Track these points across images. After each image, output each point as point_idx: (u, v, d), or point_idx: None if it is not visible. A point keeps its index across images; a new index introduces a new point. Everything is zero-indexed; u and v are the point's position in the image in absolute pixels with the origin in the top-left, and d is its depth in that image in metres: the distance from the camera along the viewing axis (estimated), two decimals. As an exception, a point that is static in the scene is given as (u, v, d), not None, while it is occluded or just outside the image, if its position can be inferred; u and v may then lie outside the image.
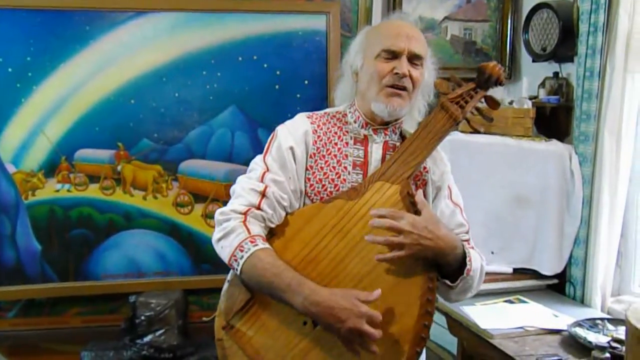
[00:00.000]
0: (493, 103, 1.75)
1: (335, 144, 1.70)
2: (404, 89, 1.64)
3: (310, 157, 1.67)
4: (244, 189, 1.62)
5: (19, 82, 2.70)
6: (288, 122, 1.73)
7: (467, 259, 1.60)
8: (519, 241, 2.74)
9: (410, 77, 1.63)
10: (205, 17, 2.81)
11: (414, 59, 1.65)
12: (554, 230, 2.66)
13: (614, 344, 2.05)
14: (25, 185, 2.77)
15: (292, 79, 2.88)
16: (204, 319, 2.94)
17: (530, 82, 2.96)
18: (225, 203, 1.68)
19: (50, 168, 2.78)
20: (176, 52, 2.81)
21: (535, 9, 2.93)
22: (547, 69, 2.93)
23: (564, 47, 2.76)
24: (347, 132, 1.72)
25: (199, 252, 2.93)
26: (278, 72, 2.88)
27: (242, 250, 1.53)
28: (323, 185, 1.66)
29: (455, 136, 2.82)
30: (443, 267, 1.58)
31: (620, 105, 2.46)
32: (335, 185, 1.66)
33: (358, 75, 1.72)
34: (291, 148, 1.65)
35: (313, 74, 2.89)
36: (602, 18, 2.46)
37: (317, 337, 1.52)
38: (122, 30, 2.77)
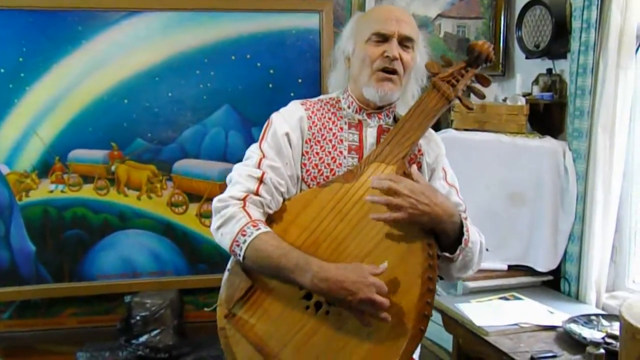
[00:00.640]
0: (484, 80, 1.77)
1: (330, 129, 1.71)
2: (394, 72, 1.65)
3: (306, 142, 1.68)
4: (241, 175, 1.62)
5: (11, 82, 2.70)
6: (282, 109, 1.74)
7: (465, 229, 1.60)
8: (513, 238, 2.75)
9: (401, 59, 1.64)
10: (198, 17, 2.81)
11: (405, 41, 1.66)
12: (548, 226, 2.67)
13: (609, 340, 2.06)
14: (18, 186, 2.77)
15: (286, 78, 2.89)
16: (206, 309, 2.95)
17: (523, 79, 2.97)
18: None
19: (43, 169, 2.78)
20: (169, 51, 2.81)
21: (528, 6, 2.94)
22: (541, 65, 2.93)
23: (557, 43, 2.77)
24: (341, 117, 1.73)
25: (194, 252, 2.93)
26: (271, 71, 2.88)
27: (244, 235, 1.53)
28: (319, 170, 1.67)
29: (449, 133, 2.83)
30: (441, 237, 1.58)
31: (613, 101, 2.47)
32: (332, 170, 1.67)
33: (350, 60, 1.73)
34: (287, 134, 1.66)
35: (306, 73, 2.89)
36: (594, 14, 2.46)
37: (319, 322, 1.52)
38: (115, 30, 2.76)
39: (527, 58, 3.02)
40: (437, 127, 2.96)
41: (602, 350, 1.92)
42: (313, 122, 1.70)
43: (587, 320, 2.27)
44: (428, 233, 1.55)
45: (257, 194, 1.59)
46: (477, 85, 1.78)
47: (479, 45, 1.73)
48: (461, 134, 2.82)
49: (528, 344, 2.16)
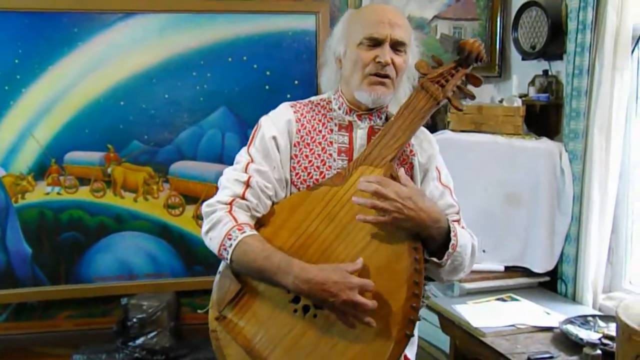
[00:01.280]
0: (475, 80, 1.74)
1: (320, 131, 1.70)
2: (387, 76, 1.63)
3: (294, 145, 1.68)
4: (229, 180, 1.64)
5: (7, 84, 2.70)
6: (272, 112, 1.74)
7: (452, 233, 1.59)
8: (510, 239, 2.75)
9: (394, 64, 1.63)
10: (194, 18, 2.81)
11: (397, 45, 1.64)
12: (545, 227, 2.67)
13: (605, 341, 2.06)
14: (14, 189, 2.76)
15: (282, 79, 2.89)
16: (199, 311, 2.94)
17: (520, 80, 2.97)
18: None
19: (40, 171, 2.77)
20: (166, 53, 2.81)
21: (524, 7, 2.94)
22: (537, 66, 2.94)
23: (553, 45, 2.77)
24: (331, 119, 1.72)
25: (190, 254, 2.92)
26: (268, 73, 2.88)
27: (230, 239, 1.54)
28: (309, 173, 1.67)
29: (445, 135, 2.83)
30: (427, 242, 1.57)
31: (610, 102, 2.47)
32: (321, 173, 1.67)
33: (341, 62, 1.71)
34: (274, 137, 1.66)
35: (303, 74, 2.89)
36: (590, 15, 2.46)
37: (307, 325, 1.53)
38: (111, 32, 2.76)
39: (523, 59, 3.02)
40: (433, 128, 2.97)
41: (598, 351, 1.93)
42: (302, 125, 1.69)
43: (583, 321, 2.27)
44: (415, 237, 1.54)
45: (243, 197, 1.60)
46: (468, 86, 1.75)
47: (469, 44, 1.69)
48: (458, 135, 2.83)
49: (525, 345, 2.16)
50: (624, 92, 2.48)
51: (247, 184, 1.61)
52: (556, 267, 2.69)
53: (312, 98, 1.79)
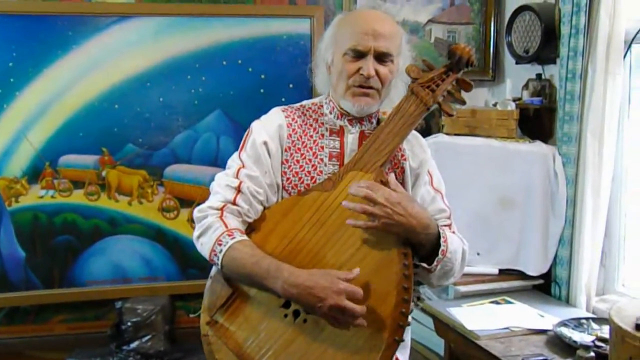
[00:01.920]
0: (466, 85, 1.73)
1: (311, 136, 1.70)
2: (371, 87, 1.64)
3: (285, 150, 1.68)
4: (220, 185, 1.64)
5: (1, 88, 2.69)
6: (263, 117, 1.74)
7: (442, 239, 1.59)
8: (504, 242, 2.76)
9: (378, 75, 1.62)
10: (189, 22, 2.81)
11: (382, 56, 1.63)
12: (538, 230, 2.68)
13: (599, 343, 2.07)
14: (8, 192, 2.75)
15: (277, 83, 2.89)
16: (191, 315, 2.95)
17: (513, 84, 2.98)
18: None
19: (33, 174, 2.76)
20: (160, 56, 2.81)
21: (517, 12, 2.95)
22: (530, 70, 2.95)
23: (547, 49, 2.78)
24: (322, 123, 1.72)
25: (185, 257, 2.92)
26: (263, 76, 2.89)
27: (220, 244, 1.54)
28: (300, 178, 1.67)
29: (439, 138, 2.84)
30: (417, 248, 1.58)
31: (602, 106, 2.48)
32: (312, 178, 1.67)
33: (330, 69, 1.71)
34: (265, 143, 1.66)
35: (298, 78, 2.89)
36: (583, 20, 2.48)
37: (297, 330, 1.53)
38: (105, 35, 2.76)
39: (517, 63, 3.04)
40: (427, 132, 2.98)
41: (592, 354, 1.93)
42: (293, 130, 1.69)
43: (577, 323, 2.28)
44: (404, 242, 1.55)
45: (234, 203, 1.60)
46: (458, 91, 1.74)
47: (460, 48, 1.69)
48: (452, 139, 2.83)
49: (519, 347, 2.17)
50: (616, 96, 2.49)
51: (239, 190, 1.61)
52: (550, 270, 2.70)
53: (304, 102, 1.79)
